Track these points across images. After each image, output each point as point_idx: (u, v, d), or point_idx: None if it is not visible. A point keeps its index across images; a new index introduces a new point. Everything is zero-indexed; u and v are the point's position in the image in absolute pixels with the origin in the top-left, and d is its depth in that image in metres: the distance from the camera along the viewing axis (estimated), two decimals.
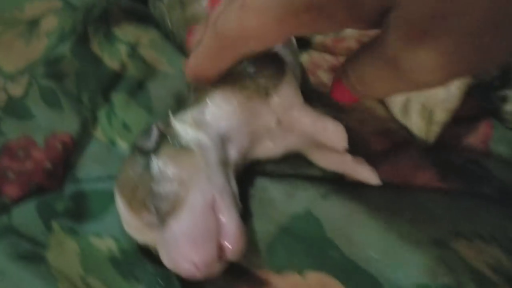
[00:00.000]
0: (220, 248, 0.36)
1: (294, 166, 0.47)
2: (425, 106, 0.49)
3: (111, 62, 0.53)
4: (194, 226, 0.35)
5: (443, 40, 0.24)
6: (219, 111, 0.41)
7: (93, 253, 0.41)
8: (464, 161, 0.50)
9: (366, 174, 0.44)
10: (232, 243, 0.36)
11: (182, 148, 0.38)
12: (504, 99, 0.51)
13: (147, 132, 0.39)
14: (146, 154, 0.38)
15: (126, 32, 0.54)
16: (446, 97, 0.49)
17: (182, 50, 0.53)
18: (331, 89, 0.33)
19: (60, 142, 0.47)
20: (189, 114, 0.41)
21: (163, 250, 0.36)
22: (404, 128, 0.50)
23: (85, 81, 0.50)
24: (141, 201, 0.36)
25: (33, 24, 0.54)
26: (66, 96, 0.49)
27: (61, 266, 0.40)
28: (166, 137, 0.39)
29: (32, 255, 0.40)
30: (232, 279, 0.40)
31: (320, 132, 0.43)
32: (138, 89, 0.51)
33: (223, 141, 0.41)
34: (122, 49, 0.53)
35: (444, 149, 0.51)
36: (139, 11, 0.57)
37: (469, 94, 0.52)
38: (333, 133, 0.42)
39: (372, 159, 0.45)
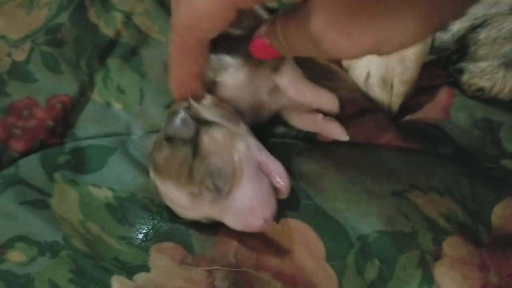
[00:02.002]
0: (276, 190, 0.42)
1: (272, 127, 0.52)
2: (384, 79, 0.54)
3: (107, 30, 0.56)
4: (257, 190, 0.41)
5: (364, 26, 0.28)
6: (228, 88, 0.45)
7: (91, 201, 0.45)
8: (424, 125, 0.54)
9: (336, 131, 0.49)
10: (285, 181, 0.43)
11: (218, 126, 0.43)
12: (461, 71, 0.55)
13: (174, 118, 0.42)
14: (186, 139, 0.41)
15: (122, 1, 0.58)
16: (403, 70, 0.53)
17: None
18: (251, 44, 0.35)
19: (60, 102, 0.51)
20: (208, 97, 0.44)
21: (231, 217, 0.41)
22: (369, 98, 0.54)
23: (83, 48, 0.54)
24: (201, 182, 0.40)
25: None
26: (65, 61, 0.53)
27: (63, 211, 0.44)
28: (197, 120, 0.42)
29: (38, 202, 0.45)
30: (216, 226, 0.44)
31: (319, 102, 0.48)
32: (132, 55, 0.55)
33: (240, 113, 0.46)
34: (118, 17, 0.57)
35: (407, 114, 0.56)
36: None
37: (432, 65, 0.57)
38: (328, 101, 0.48)
39: (341, 120, 0.50)
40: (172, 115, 0.43)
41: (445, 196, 0.47)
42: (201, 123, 0.42)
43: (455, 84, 0.56)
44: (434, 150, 0.51)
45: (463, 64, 0.55)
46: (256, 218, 0.41)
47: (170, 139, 0.41)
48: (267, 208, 0.41)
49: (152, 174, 0.43)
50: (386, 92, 0.54)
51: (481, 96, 0.55)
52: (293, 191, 0.45)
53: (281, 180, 0.43)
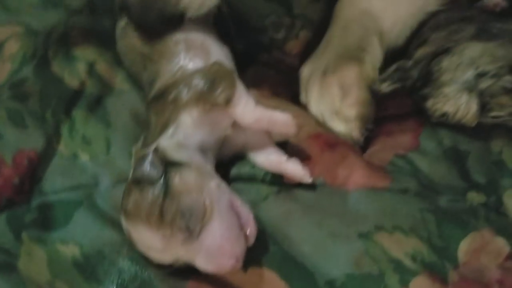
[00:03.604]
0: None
1: (240, 167, 0.53)
2: (333, 111, 0.55)
3: (71, 81, 0.58)
4: (226, 229, 0.43)
5: None
6: (188, 129, 0.47)
7: (59, 259, 0.46)
8: (393, 157, 0.56)
9: (299, 174, 0.51)
10: (252, 228, 0.44)
11: (187, 166, 0.45)
12: (425, 97, 0.57)
13: (143, 161, 0.44)
14: (155, 181, 0.43)
15: (85, 52, 0.60)
16: (343, 94, 0.55)
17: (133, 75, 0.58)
18: None
19: (27, 158, 0.52)
20: (172, 139, 0.47)
21: (203, 258, 0.43)
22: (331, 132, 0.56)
23: (48, 100, 0.56)
24: (171, 222, 0.42)
25: None
26: (30, 115, 0.55)
27: (31, 273, 0.45)
28: (166, 161, 0.44)
29: (5, 265, 0.46)
30: (184, 276, 0.46)
31: (275, 125, 0.50)
32: (96, 105, 0.57)
33: (204, 152, 0.48)
34: (81, 68, 0.59)
35: (375, 145, 0.57)
36: (99, 31, 0.62)
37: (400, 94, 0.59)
38: (284, 123, 0.49)
39: (308, 158, 0.52)
40: (140, 159, 0.44)
41: (410, 236, 0.49)
42: (170, 164, 0.44)
43: (421, 111, 0.58)
44: (401, 185, 0.53)
45: (426, 90, 0.57)
46: (227, 257, 0.42)
47: (138, 182, 0.44)
48: (237, 247, 0.43)
49: (123, 221, 0.45)
50: (340, 122, 0.55)
51: (445, 122, 0.57)
52: (261, 237, 0.47)
53: (248, 226, 0.45)
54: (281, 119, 0.49)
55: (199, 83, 0.48)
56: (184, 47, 0.51)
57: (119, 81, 0.59)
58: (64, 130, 0.55)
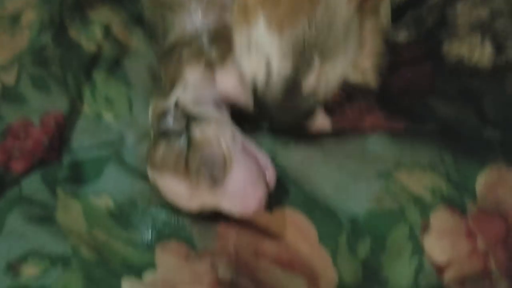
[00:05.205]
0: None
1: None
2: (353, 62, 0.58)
3: (89, 45, 0.61)
4: (248, 173, 0.47)
5: None
6: (197, 86, 0.51)
7: (93, 210, 0.50)
8: (409, 102, 0.59)
9: (320, 122, 0.54)
10: (270, 171, 0.48)
11: (205, 118, 0.48)
12: (440, 42, 0.59)
13: (166, 116, 0.48)
14: (179, 134, 0.47)
15: (100, 15, 0.63)
16: (360, 44, 0.57)
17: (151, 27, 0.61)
18: None
19: (54, 119, 0.56)
20: (186, 95, 0.50)
21: (229, 203, 0.47)
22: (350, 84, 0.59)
23: (68, 65, 0.59)
24: (197, 172, 0.46)
25: (15, 18, 0.62)
26: (53, 80, 0.58)
27: (69, 223, 0.49)
28: (186, 115, 0.48)
29: (44, 217, 0.49)
30: (213, 218, 0.49)
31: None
32: (115, 66, 0.60)
33: (219, 105, 0.51)
34: (97, 31, 0.62)
35: (392, 92, 0.60)
36: None
37: (413, 39, 0.61)
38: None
39: (325, 110, 0.54)
40: (163, 113, 0.49)
41: (429, 172, 0.52)
42: (190, 117, 0.48)
43: (436, 55, 0.61)
44: (418, 127, 0.56)
45: (441, 35, 0.59)
46: (250, 200, 0.46)
47: (164, 135, 0.48)
48: (259, 189, 0.47)
49: (150, 173, 0.49)
50: (355, 72, 0.58)
51: (461, 66, 0.59)
52: (283, 182, 0.51)
53: (267, 170, 0.48)
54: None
55: (199, 41, 0.51)
56: (204, 4, 0.53)
57: (135, 41, 0.62)
58: (86, 92, 0.59)
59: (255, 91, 0.48)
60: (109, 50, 0.61)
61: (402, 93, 0.60)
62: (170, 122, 0.48)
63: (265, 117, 0.51)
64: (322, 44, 0.45)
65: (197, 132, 0.48)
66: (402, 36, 0.60)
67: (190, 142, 0.47)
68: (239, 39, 0.48)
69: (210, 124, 0.48)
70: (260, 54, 0.46)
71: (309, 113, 0.50)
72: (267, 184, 0.48)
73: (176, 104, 0.49)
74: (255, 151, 0.49)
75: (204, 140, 0.47)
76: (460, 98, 0.58)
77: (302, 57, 0.45)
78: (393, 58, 0.59)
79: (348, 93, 0.58)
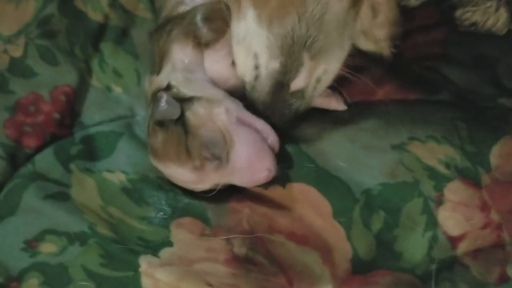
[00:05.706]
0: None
1: None
2: (363, 30, 0.57)
3: (95, 15, 0.60)
4: (250, 146, 0.47)
5: None
6: (189, 64, 0.50)
7: (107, 186, 0.51)
8: (422, 70, 0.58)
9: (334, 103, 0.53)
10: (272, 137, 0.48)
11: (197, 99, 0.48)
12: (454, 7, 0.58)
13: (159, 102, 0.47)
14: (175, 120, 0.47)
15: None
16: (373, 14, 0.56)
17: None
18: None
19: (63, 93, 0.56)
20: (178, 74, 0.50)
21: (237, 177, 0.47)
22: (360, 52, 0.58)
23: (75, 36, 0.58)
24: (199, 156, 0.46)
25: None
26: (61, 52, 0.57)
27: (84, 200, 0.50)
28: (179, 99, 0.48)
29: (59, 194, 0.50)
30: (226, 194, 0.50)
31: (328, 105, 0.53)
32: (122, 36, 0.59)
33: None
34: (103, 0, 0.61)
35: (405, 59, 0.60)
36: None
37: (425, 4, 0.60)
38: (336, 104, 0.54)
39: (336, 85, 0.53)
40: (156, 100, 0.48)
41: (443, 143, 0.52)
42: (183, 101, 0.48)
43: (449, 20, 0.59)
44: (431, 97, 0.55)
45: (455, 0, 0.58)
46: (259, 171, 0.47)
47: (161, 123, 0.47)
48: (266, 158, 0.47)
49: (153, 160, 0.49)
50: (369, 42, 0.57)
51: (474, 31, 0.58)
52: (295, 155, 0.51)
53: (269, 136, 0.48)
54: (333, 100, 0.53)
55: (192, 18, 0.50)
56: None
57: (142, 10, 0.61)
58: (95, 64, 0.58)
59: (244, 85, 0.48)
60: (116, 19, 0.60)
61: (414, 61, 0.59)
62: (165, 108, 0.47)
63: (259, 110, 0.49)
64: (313, 40, 0.44)
65: (190, 115, 0.47)
66: (415, 2, 0.59)
67: (186, 126, 0.47)
68: (234, 29, 0.47)
69: (200, 103, 0.48)
70: (249, 48, 0.46)
71: (298, 112, 0.48)
72: (272, 150, 0.48)
73: (168, 88, 0.48)
74: (253, 120, 0.49)
75: (198, 122, 0.47)
76: (474, 65, 0.58)
77: (291, 53, 0.44)
78: (404, 24, 0.58)
79: (359, 64, 0.57)
